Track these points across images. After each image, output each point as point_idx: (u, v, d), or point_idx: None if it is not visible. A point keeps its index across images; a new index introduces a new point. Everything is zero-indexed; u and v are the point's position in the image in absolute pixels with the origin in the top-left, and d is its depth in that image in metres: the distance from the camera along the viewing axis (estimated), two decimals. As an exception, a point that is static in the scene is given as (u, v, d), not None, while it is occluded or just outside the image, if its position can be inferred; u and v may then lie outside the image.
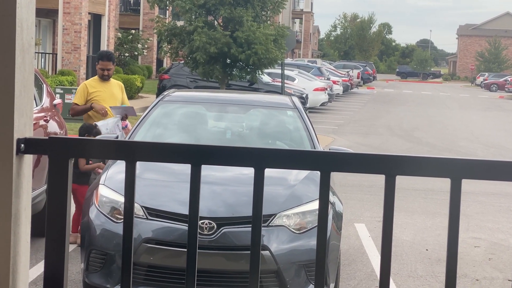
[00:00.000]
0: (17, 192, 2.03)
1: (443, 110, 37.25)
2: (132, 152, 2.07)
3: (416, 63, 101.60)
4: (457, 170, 2.09)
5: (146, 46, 40.35)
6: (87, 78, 30.43)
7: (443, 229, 9.62)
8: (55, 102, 9.02)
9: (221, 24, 22.56)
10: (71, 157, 2.08)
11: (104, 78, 8.81)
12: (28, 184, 2.12)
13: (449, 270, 2.14)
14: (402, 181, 13.58)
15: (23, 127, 2.06)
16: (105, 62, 8.78)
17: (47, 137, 2.08)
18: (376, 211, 10.86)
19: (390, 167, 2.06)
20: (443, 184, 12.75)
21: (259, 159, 2.07)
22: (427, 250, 8.88)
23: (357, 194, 12.20)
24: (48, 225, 2.09)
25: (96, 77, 8.93)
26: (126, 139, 7.48)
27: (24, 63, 2.05)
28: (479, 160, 2.13)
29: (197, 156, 2.07)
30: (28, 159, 2.11)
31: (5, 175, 1.98)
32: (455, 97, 53.26)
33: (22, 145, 2.03)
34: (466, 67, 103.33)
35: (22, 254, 2.09)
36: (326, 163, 2.06)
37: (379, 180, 12.53)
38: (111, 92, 8.77)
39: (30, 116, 2.13)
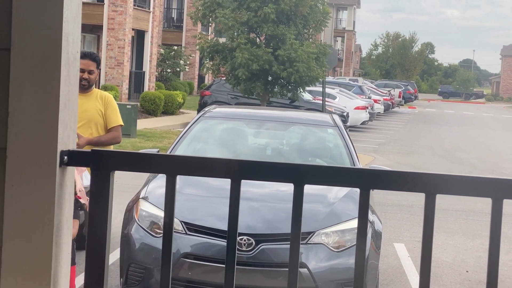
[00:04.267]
0: (60, 204, 2.05)
1: (486, 131, 36.79)
2: (173, 166, 2.09)
3: (459, 83, 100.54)
4: (498, 190, 2.06)
5: (188, 62, 40.70)
6: (129, 93, 30.79)
7: (484, 251, 9.48)
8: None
9: (264, 41, 22.63)
10: (113, 170, 2.10)
11: (83, 86, 6.59)
12: (70, 196, 2.14)
13: (489, 291, 2.11)
14: (442, 202, 13.38)
15: (67, 140, 2.09)
16: (86, 61, 6.50)
17: (89, 150, 2.11)
18: (416, 231, 10.75)
19: (430, 185, 2.04)
20: (485, 205, 12.57)
21: (299, 175, 2.07)
22: (467, 271, 8.76)
23: (396, 213, 12.09)
24: (89, 237, 2.11)
25: None
26: (167, 153, 7.53)
27: (69, 76, 2.08)
28: (522, 180, 2.09)
29: (237, 171, 2.08)
30: (71, 171, 2.14)
31: (48, 187, 2.01)
32: (498, 118, 52.60)
33: (66, 157, 2.06)
34: (509, 88, 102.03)
35: (63, 265, 2.12)
36: (366, 180, 2.05)
37: (419, 200, 12.40)
38: (83, 108, 6.48)
39: (73, 128, 2.16)
